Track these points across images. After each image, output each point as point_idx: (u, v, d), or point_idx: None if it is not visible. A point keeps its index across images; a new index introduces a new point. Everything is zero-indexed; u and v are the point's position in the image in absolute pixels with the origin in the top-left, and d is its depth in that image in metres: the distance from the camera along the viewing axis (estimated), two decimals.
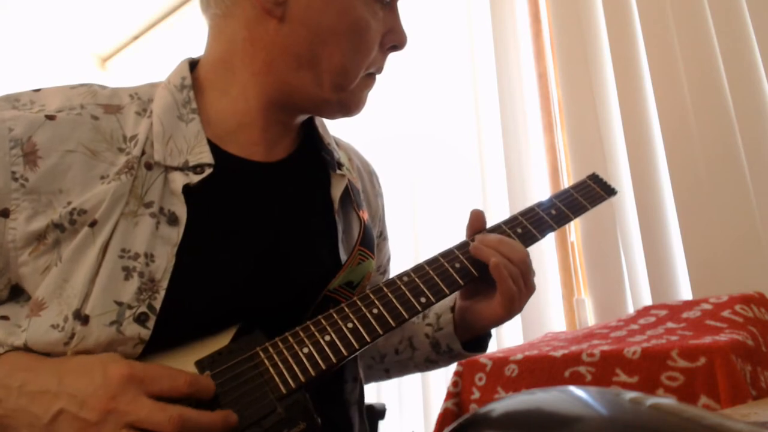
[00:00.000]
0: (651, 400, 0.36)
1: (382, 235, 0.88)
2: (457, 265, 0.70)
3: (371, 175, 0.87)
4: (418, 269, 0.69)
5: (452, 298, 0.78)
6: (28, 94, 0.62)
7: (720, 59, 1.45)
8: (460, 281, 0.68)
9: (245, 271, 0.63)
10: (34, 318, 0.55)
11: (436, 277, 0.68)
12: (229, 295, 0.61)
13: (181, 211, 0.60)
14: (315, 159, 0.75)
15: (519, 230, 0.75)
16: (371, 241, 0.75)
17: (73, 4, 2.69)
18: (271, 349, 0.59)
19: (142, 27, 2.95)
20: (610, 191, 0.86)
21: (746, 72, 1.42)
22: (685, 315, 1.18)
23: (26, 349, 0.55)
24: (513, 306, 0.70)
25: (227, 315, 0.60)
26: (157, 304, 0.56)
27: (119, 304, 0.55)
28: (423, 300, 0.65)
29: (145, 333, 0.56)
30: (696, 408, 0.36)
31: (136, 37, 3.01)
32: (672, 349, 0.98)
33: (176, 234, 0.59)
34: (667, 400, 0.37)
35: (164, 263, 0.58)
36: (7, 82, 2.59)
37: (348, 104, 0.71)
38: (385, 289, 0.66)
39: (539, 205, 0.79)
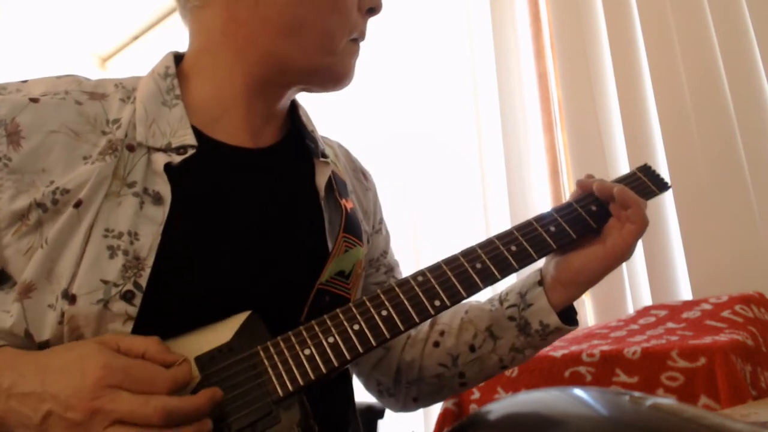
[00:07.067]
0: (651, 400, 0.36)
1: (375, 229, 0.88)
2: (479, 266, 0.65)
3: (357, 172, 0.87)
4: (434, 269, 0.65)
5: (531, 277, 0.74)
6: (15, 84, 0.64)
7: (720, 59, 1.45)
8: (480, 283, 0.65)
9: (232, 251, 0.63)
10: (27, 301, 0.55)
11: (453, 278, 0.64)
12: (217, 274, 0.61)
13: (165, 190, 0.61)
14: (301, 149, 0.75)
15: (552, 228, 0.69)
16: (356, 228, 0.75)
17: (73, 4, 2.69)
18: (271, 349, 0.57)
19: (142, 27, 2.95)
20: (663, 186, 0.76)
21: (746, 72, 1.41)
22: (685, 315, 1.18)
23: (27, 335, 0.55)
24: (640, 233, 0.71)
25: (215, 294, 0.60)
26: (143, 282, 0.57)
27: (105, 282, 0.56)
28: (437, 303, 0.62)
29: (132, 310, 0.56)
30: (696, 408, 0.36)
31: (136, 37, 3.01)
32: (672, 349, 0.98)
33: (161, 213, 0.60)
34: (667, 400, 0.37)
35: (149, 241, 0.58)
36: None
37: (337, 70, 0.71)
38: (396, 289, 0.63)
39: (577, 200, 0.72)
